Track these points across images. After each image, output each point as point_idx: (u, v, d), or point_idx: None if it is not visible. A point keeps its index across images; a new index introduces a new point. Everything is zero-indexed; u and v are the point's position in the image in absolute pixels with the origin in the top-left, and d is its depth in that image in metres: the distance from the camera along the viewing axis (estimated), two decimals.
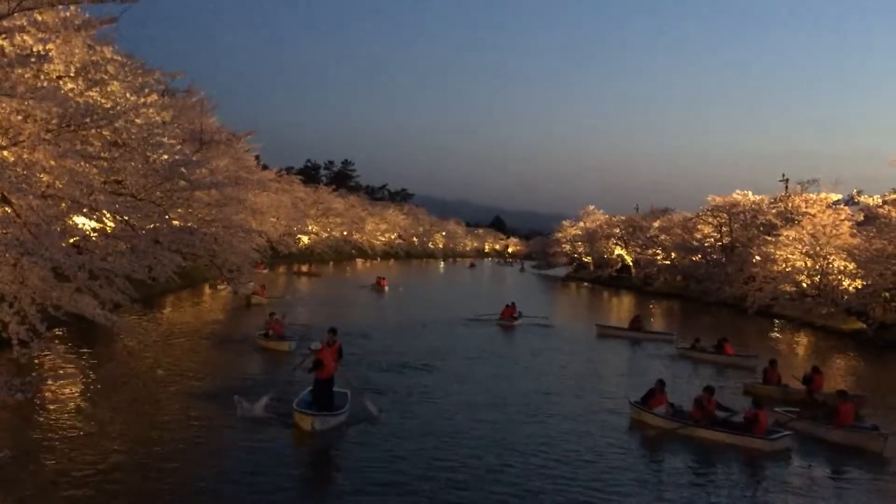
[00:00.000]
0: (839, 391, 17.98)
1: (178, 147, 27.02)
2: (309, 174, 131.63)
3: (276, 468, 12.51)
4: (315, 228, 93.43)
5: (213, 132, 38.12)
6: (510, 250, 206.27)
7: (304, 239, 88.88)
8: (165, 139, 21.90)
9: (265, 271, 56.76)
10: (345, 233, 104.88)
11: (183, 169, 19.98)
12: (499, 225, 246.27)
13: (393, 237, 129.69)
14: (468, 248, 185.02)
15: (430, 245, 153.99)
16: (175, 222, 22.54)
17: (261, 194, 46.44)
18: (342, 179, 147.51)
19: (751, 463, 14.90)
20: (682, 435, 16.27)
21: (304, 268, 69.27)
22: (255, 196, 42.90)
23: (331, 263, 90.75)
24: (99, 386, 17.48)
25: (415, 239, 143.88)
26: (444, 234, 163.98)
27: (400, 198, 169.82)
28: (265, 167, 69.15)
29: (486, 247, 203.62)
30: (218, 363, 21.76)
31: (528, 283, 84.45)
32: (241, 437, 14.06)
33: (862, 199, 49.49)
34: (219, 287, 40.38)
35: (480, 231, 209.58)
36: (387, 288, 53.55)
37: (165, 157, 20.61)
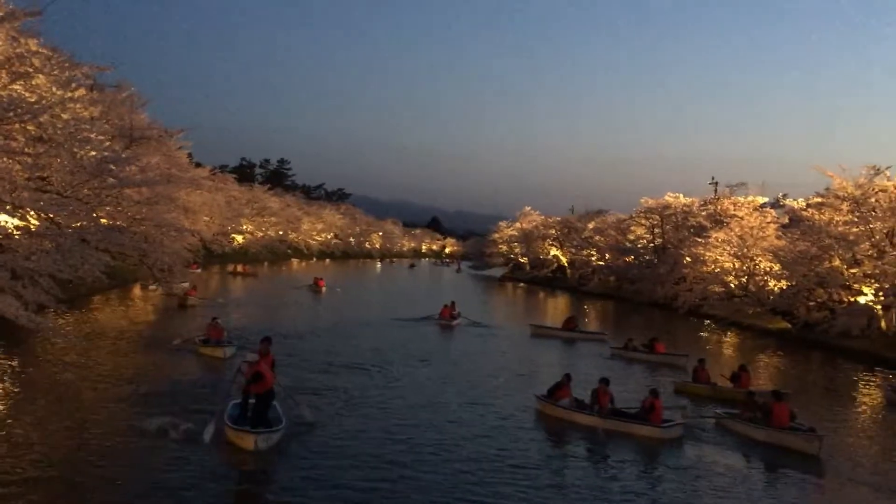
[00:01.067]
0: (774, 391, 17.91)
1: (107, 143, 26.30)
2: (244, 173, 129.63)
3: (205, 482, 11.76)
4: (250, 228, 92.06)
5: (144, 128, 37.20)
6: (447, 251, 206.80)
7: (239, 238, 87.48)
8: (93, 135, 21.28)
9: (198, 271, 55.63)
10: (280, 232, 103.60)
11: (112, 166, 19.46)
12: (436, 225, 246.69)
13: (329, 237, 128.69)
14: (405, 249, 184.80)
15: (366, 245, 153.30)
16: (103, 220, 21.92)
17: (193, 193, 45.49)
18: (278, 178, 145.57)
19: (654, 453, 15.44)
20: (584, 425, 17.00)
21: (240, 268, 68.00)
22: (188, 194, 41.99)
23: (266, 263, 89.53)
24: (20, 391, 16.70)
25: (351, 239, 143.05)
26: (381, 234, 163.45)
27: (337, 197, 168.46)
28: (198, 165, 67.82)
29: (423, 247, 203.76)
30: (146, 367, 20.66)
31: (464, 284, 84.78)
32: (171, 449, 13.27)
33: (787, 202, 51.21)
34: (150, 287, 39.34)
35: (417, 231, 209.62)
36: (324, 288, 53.09)
37: (93, 153, 20.02)
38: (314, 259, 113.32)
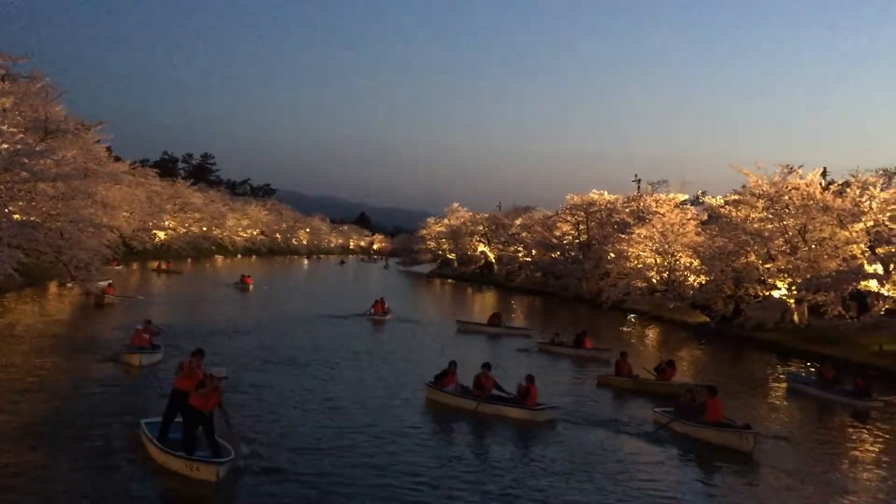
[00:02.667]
0: (708, 386, 17.73)
1: (20, 136, 25.29)
2: (166, 167, 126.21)
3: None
4: (172, 224, 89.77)
5: (60, 121, 35.77)
6: (375, 247, 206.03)
7: (161, 235, 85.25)
8: (5, 127, 20.44)
9: (118, 268, 53.97)
10: (204, 228, 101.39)
11: (25, 159, 18.69)
12: (364, 221, 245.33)
13: (255, 233, 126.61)
14: (333, 245, 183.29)
15: (293, 242, 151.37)
16: (16, 216, 21.09)
17: (112, 187, 44.08)
18: (202, 173, 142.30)
19: (526, 434, 15.92)
20: (468, 409, 17.71)
21: (163, 265, 66.18)
22: (107, 189, 40.61)
23: (189, 260, 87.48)
24: None
25: (278, 235, 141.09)
26: (308, 230, 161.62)
27: (263, 193, 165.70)
28: (118, 159, 65.80)
29: (351, 243, 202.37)
30: (57, 372, 19.45)
31: (393, 280, 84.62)
32: (85, 467, 11.91)
33: (706, 199, 52.77)
34: (69, 285, 37.96)
35: (345, 228, 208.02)
36: (251, 286, 52.19)
37: (5, 146, 19.21)
38: (239, 256, 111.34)
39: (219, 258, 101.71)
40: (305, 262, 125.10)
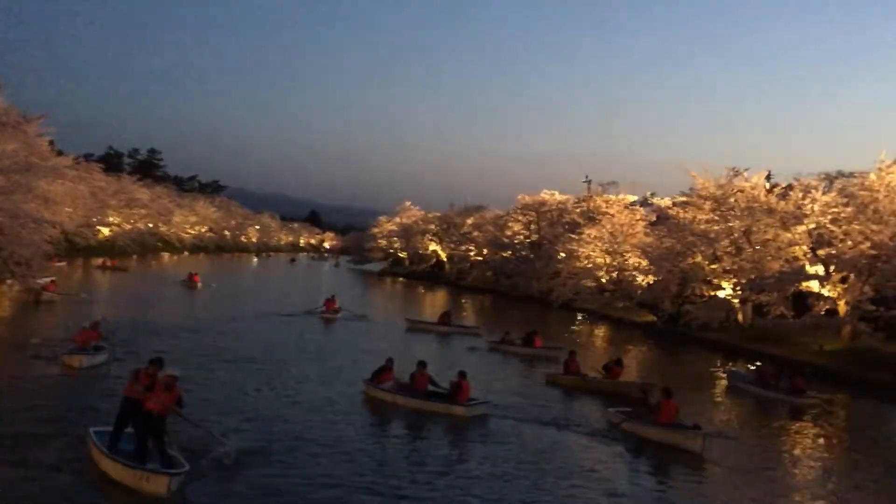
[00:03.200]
0: (662, 388, 17.66)
1: None
2: (111, 162, 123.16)
3: None
4: (117, 220, 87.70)
5: (0, 114, 34.75)
6: (326, 245, 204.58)
7: (105, 231, 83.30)
8: None
9: (60, 264, 52.53)
10: (150, 225, 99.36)
11: None
12: (315, 219, 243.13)
13: (203, 230, 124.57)
14: (283, 243, 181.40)
15: (242, 239, 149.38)
16: None
17: (55, 182, 42.82)
18: (148, 169, 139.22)
19: (459, 429, 16.07)
20: (404, 405, 18.03)
21: (107, 262, 64.57)
22: (49, 184, 39.49)
23: (134, 257, 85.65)
24: None
25: (226, 232, 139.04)
26: (257, 227, 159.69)
27: (211, 189, 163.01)
28: (60, 153, 63.98)
29: (302, 241, 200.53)
30: None
31: (344, 278, 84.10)
32: (27, 479, 11.23)
33: (655, 200, 53.63)
34: (8, 282, 36.78)
35: (296, 225, 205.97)
36: (200, 284, 51.26)
37: None
38: (186, 253, 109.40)
39: (165, 255, 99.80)
40: (255, 259, 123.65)
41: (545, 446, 15.65)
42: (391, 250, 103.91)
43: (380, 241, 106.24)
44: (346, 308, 38.88)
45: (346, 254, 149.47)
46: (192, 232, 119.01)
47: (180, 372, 12.53)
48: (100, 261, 65.85)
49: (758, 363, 27.40)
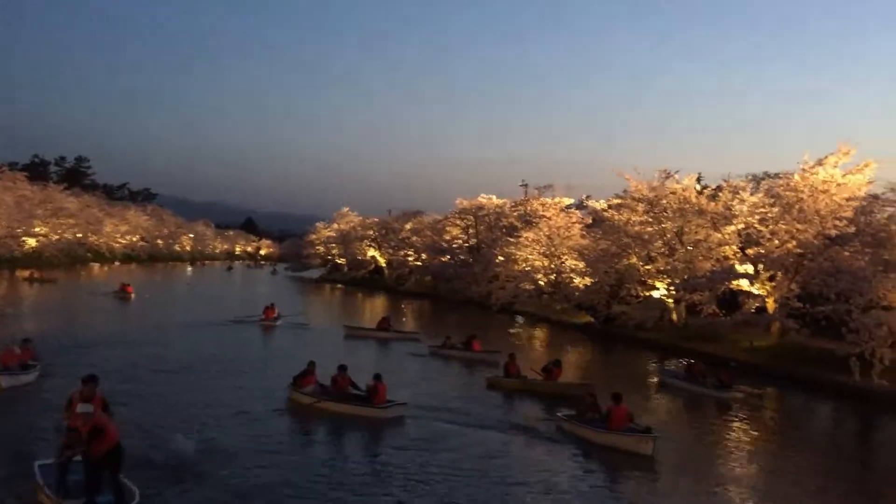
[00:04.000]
0: (613, 394, 17.30)
1: None
2: (36, 171, 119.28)
3: None
4: (44, 230, 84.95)
5: None
6: (262, 252, 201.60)
7: (31, 242, 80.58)
8: None
9: None
10: (79, 235, 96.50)
11: None
12: (251, 226, 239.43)
13: (135, 239, 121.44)
14: (218, 251, 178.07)
15: (176, 248, 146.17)
16: None
17: None
18: (76, 177, 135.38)
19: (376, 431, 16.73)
20: (323, 409, 18.25)
21: (35, 273, 62.29)
22: None
23: (63, 268, 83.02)
24: None
25: (159, 241, 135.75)
26: (191, 236, 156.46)
27: (142, 198, 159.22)
28: None
29: (238, 249, 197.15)
30: None
31: (281, 286, 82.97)
32: None
33: (590, 203, 54.40)
34: None
35: (231, 233, 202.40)
36: (133, 294, 49.91)
37: None
38: (117, 263, 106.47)
39: (95, 266, 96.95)
40: (189, 268, 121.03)
41: (487, 450, 15.69)
42: (329, 257, 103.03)
43: (317, 247, 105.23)
44: (286, 315, 38.56)
45: (283, 261, 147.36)
46: (123, 241, 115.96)
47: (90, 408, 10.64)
48: (26, 272, 63.57)
49: (687, 360, 28.10)
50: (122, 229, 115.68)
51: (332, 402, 18.41)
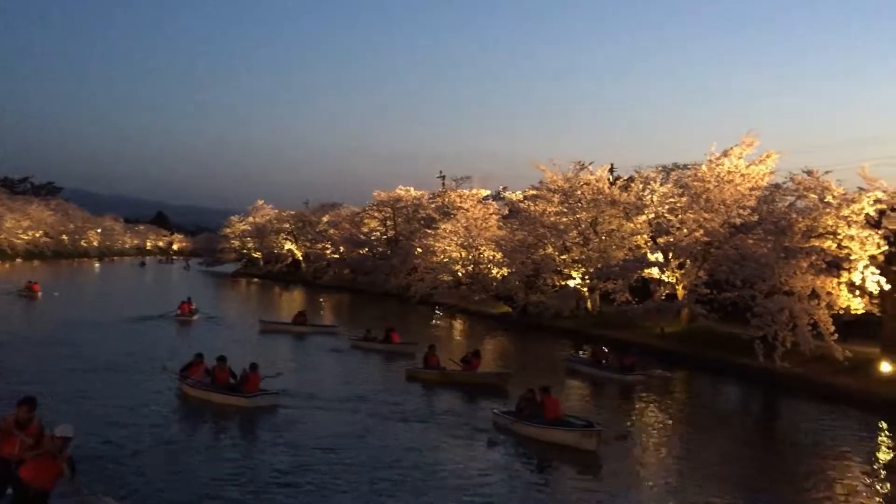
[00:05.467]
0: (542, 387, 17.15)
1: None
2: None
3: None
4: None
5: None
6: (175, 247, 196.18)
7: None
8: None
9: None
10: None
11: None
12: (162, 221, 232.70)
13: (38, 235, 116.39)
14: (128, 246, 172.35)
15: (83, 243, 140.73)
16: None
17: None
18: None
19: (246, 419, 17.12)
20: (202, 398, 18.66)
21: None
22: None
23: None
24: None
25: (65, 237, 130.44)
26: (99, 231, 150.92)
27: (46, 192, 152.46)
28: None
29: (149, 244, 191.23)
30: None
31: (195, 281, 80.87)
32: None
33: (507, 194, 54.94)
34: None
35: (142, 227, 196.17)
36: (40, 293, 47.75)
37: None
38: (19, 260, 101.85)
39: None
40: (97, 264, 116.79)
41: (405, 442, 15.67)
42: (245, 251, 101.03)
43: (232, 241, 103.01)
44: (202, 310, 37.92)
45: (196, 256, 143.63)
46: (26, 238, 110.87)
47: (74, 431, 9.54)
48: None
49: (591, 346, 28.73)
50: (24, 224, 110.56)
51: (209, 391, 18.74)
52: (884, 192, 23.63)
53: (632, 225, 36.14)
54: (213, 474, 13.04)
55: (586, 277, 37.77)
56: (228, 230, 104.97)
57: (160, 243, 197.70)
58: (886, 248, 22.86)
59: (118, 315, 36.59)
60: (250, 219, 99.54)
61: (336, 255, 75.13)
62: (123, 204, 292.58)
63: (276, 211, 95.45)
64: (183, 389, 19.32)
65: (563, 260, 39.03)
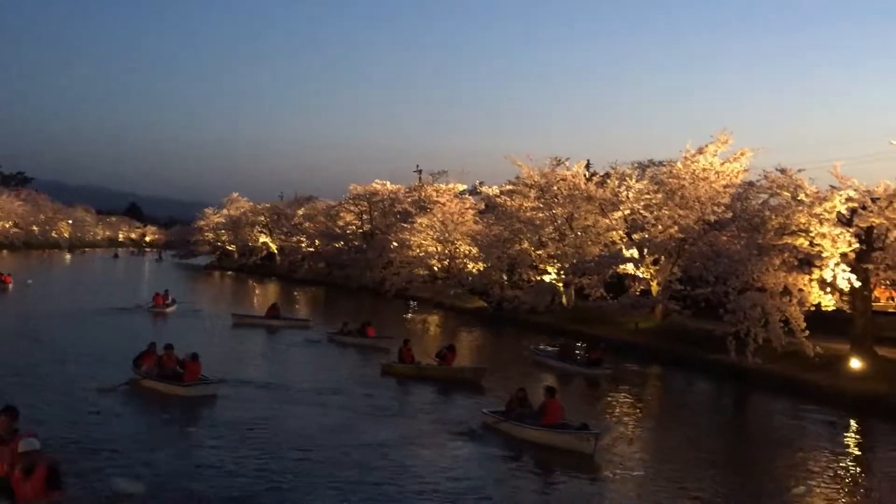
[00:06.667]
0: (546, 387, 16.87)
1: None
2: None
3: None
4: None
5: None
6: (148, 239, 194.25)
7: None
8: None
9: None
10: None
11: None
12: (135, 212, 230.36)
13: (8, 226, 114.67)
14: (100, 238, 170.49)
15: (53, 234, 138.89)
16: None
17: None
18: None
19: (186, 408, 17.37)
20: (149, 388, 18.81)
21: None
22: None
23: None
24: None
25: (35, 228, 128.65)
26: (70, 222, 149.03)
27: (16, 182, 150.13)
28: None
29: (121, 236, 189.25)
30: None
31: (168, 273, 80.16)
32: None
33: (483, 189, 54.93)
34: None
35: (114, 219, 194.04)
36: (11, 283, 47.18)
37: None
38: None
39: None
40: (68, 256, 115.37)
41: (378, 439, 15.54)
42: (219, 244, 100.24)
43: (206, 234, 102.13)
44: (181, 302, 38.05)
45: (170, 248, 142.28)
46: None
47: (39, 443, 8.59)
48: None
49: (559, 340, 28.85)
50: None
51: (154, 380, 18.87)
52: (855, 190, 23.86)
53: (607, 221, 36.29)
54: (167, 470, 12.83)
55: (562, 273, 37.88)
56: (202, 222, 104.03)
57: (133, 235, 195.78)
58: (857, 245, 23.09)
59: (90, 306, 36.37)
60: (225, 211, 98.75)
61: (311, 249, 74.79)
62: (95, 195, 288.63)
63: (251, 204, 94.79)
64: (134, 379, 19.37)
65: (539, 255, 39.12)
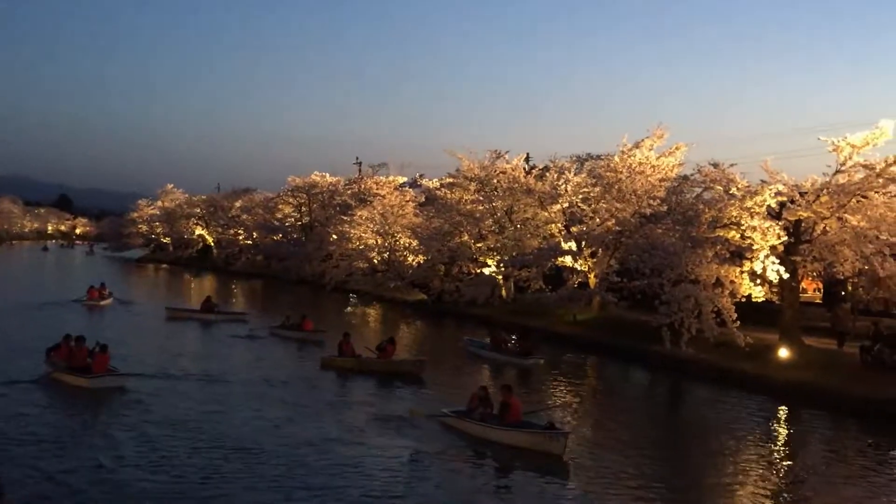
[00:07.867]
0: (504, 385, 16.44)
1: None
2: None
3: None
4: None
5: None
6: (78, 231, 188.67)
7: None
8: None
9: None
10: None
11: None
12: (65, 203, 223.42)
13: None
14: (28, 230, 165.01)
15: None
16: None
17: None
18: None
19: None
20: (59, 380, 18.76)
21: None
22: None
23: None
24: None
25: None
26: None
27: None
28: None
29: (50, 228, 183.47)
30: None
31: (100, 267, 77.98)
32: None
33: (424, 182, 54.85)
34: None
35: (42, 211, 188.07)
36: None
37: None
38: None
39: None
40: None
41: (322, 434, 15.41)
42: (153, 236, 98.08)
43: (140, 226, 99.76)
44: (118, 295, 37.47)
45: (101, 241, 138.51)
46: None
47: None
48: None
49: (491, 332, 29.01)
50: None
51: (63, 372, 18.78)
52: (784, 184, 24.57)
53: (546, 214, 36.60)
54: (86, 468, 12.55)
55: (501, 265, 38.10)
56: (136, 214, 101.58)
57: (62, 227, 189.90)
58: (786, 238, 23.77)
59: (19, 300, 35.32)
60: (159, 203, 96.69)
61: (249, 242, 73.78)
62: (23, 185, 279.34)
63: (187, 196, 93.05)
64: (48, 371, 19.28)
65: (479, 248, 39.28)
